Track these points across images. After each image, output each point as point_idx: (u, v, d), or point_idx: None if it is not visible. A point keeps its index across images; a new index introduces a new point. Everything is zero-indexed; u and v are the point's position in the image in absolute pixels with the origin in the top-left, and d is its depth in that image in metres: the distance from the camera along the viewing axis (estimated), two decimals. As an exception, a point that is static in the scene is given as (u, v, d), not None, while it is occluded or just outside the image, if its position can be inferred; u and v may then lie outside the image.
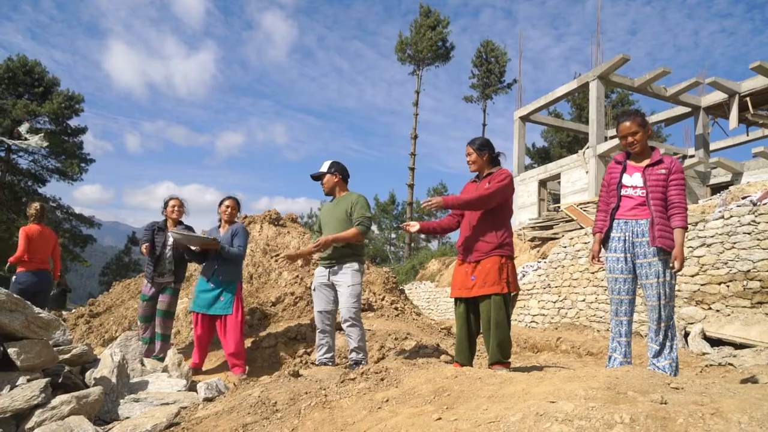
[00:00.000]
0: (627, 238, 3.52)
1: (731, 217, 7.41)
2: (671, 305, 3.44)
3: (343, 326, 4.38)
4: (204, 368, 5.15)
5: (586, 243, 10.35)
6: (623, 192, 3.60)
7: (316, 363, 4.53)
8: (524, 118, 23.55)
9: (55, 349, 3.31)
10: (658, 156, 3.56)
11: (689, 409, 1.79)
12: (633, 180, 3.58)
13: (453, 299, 4.03)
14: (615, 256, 3.58)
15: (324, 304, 4.48)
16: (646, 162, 3.58)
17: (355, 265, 4.45)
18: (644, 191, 3.51)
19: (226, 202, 5.33)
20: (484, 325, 3.74)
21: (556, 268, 10.93)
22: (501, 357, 3.71)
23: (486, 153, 3.95)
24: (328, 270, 4.48)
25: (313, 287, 4.58)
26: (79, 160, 32.79)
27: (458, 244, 4.00)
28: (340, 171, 4.71)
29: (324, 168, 4.70)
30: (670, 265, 3.39)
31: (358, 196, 4.60)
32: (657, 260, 3.41)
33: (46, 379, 2.96)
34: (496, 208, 3.82)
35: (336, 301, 4.48)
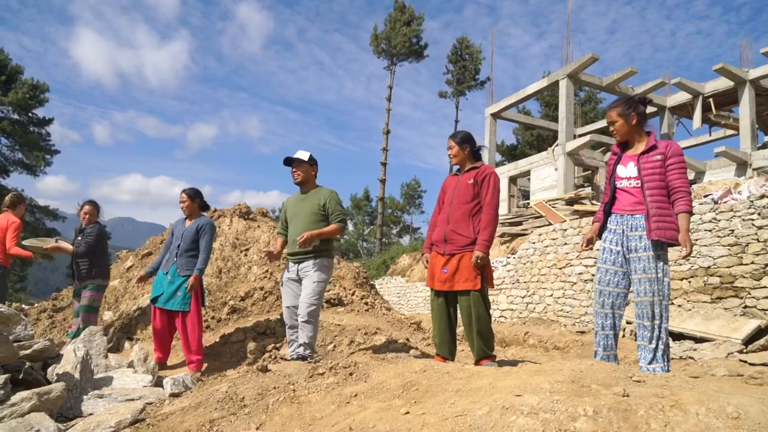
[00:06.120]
0: (623, 231, 3.39)
1: (693, 214, 7.60)
2: (665, 304, 3.24)
3: (299, 320, 4.30)
4: (170, 363, 5.07)
5: (554, 239, 10.50)
6: (618, 184, 3.46)
7: (289, 358, 4.48)
8: (495, 115, 23.74)
9: (15, 344, 3.22)
10: (652, 141, 3.38)
11: (650, 402, 1.84)
12: (627, 171, 3.43)
13: (430, 291, 4.01)
14: (609, 247, 3.44)
15: (292, 299, 4.44)
16: (641, 149, 3.40)
17: (324, 261, 4.42)
18: (639, 181, 3.35)
19: (180, 197, 5.21)
20: (465, 321, 3.75)
21: (524, 264, 11.07)
22: (486, 351, 3.72)
23: (467, 147, 3.97)
24: (296, 265, 4.44)
25: (281, 282, 4.52)
26: (44, 151, 31.80)
27: (435, 236, 3.95)
28: (316, 164, 4.65)
29: (304, 156, 4.55)
30: (680, 251, 3.21)
31: (330, 191, 4.57)
32: (650, 255, 3.25)
33: (6, 375, 2.88)
34: (475, 205, 3.84)
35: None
